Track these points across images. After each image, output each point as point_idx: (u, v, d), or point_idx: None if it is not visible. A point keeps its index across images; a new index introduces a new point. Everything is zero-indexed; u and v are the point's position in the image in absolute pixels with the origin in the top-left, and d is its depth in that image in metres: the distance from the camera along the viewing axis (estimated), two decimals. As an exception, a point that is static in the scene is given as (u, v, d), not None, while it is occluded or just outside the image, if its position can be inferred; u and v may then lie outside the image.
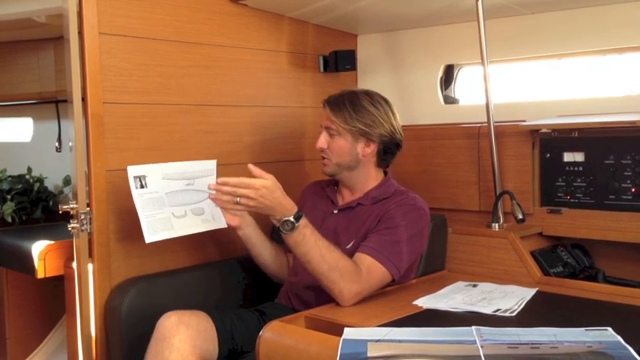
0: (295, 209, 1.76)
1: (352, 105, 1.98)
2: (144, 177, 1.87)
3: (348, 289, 1.72)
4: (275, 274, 2.16)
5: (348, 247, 1.94)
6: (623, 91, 2.29)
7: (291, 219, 1.74)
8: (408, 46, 2.73)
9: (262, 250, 2.10)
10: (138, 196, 1.84)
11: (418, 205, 1.96)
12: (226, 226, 1.99)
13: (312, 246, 1.74)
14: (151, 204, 1.86)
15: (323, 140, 2.01)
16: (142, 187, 1.85)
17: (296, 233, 1.74)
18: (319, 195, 2.15)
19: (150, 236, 1.83)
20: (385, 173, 2.10)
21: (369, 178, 2.04)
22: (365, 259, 1.79)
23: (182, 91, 2.16)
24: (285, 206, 1.75)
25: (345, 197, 2.08)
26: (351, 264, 1.76)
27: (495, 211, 2.22)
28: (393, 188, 2.04)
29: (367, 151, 2.00)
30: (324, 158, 2.03)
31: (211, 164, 2.00)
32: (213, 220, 1.97)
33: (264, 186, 1.73)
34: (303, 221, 1.76)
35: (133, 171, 1.85)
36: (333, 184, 2.15)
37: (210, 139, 2.24)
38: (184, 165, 1.96)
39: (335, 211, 2.06)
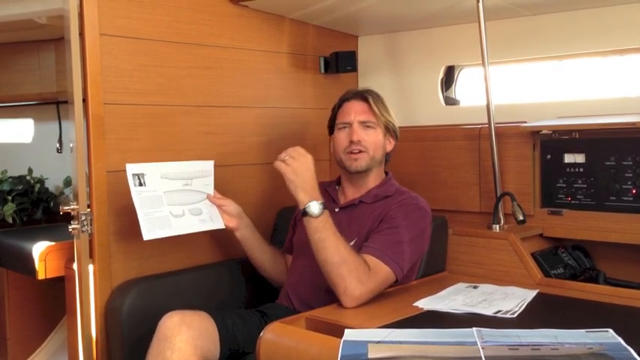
0: (322, 199, 1.81)
1: (381, 100, 2.05)
2: (142, 175, 1.88)
3: (352, 288, 1.71)
4: (273, 276, 2.16)
5: (349, 244, 1.94)
6: (623, 93, 2.28)
7: (320, 203, 1.78)
8: (408, 48, 2.73)
9: (260, 252, 2.10)
10: (136, 194, 1.85)
11: (420, 204, 1.96)
12: (224, 227, 2.00)
13: (331, 234, 1.76)
14: (149, 202, 1.86)
15: (361, 132, 1.99)
16: (140, 185, 1.87)
17: (321, 218, 1.77)
18: (321, 194, 2.15)
19: (147, 234, 1.83)
20: (386, 173, 2.11)
21: (375, 177, 2.05)
22: (369, 260, 1.79)
23: (183, 92, 2.16)
24: (316, 191, 1.81)
25: (348, 195, 2.08)
26: (362, 262, 1.75)
27: (496, 212, 2.22)
28: (394, 187, 2.04)
29: (389, 147, 2.06)
30: (358, 152, 1.99)
31: (209, 165, 2.01)
32: (210, 220, 1.98)
33: (310, 162, 1.82)
34: (327, 210, 1.80)
35: (131, 169, 1.86)
36: (335, 183, 2.15)
37: (211, 140, 2.24)
38: (182, 165, 1.97)
39: (336, 210, 2.06)
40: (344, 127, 2.03)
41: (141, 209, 1.84)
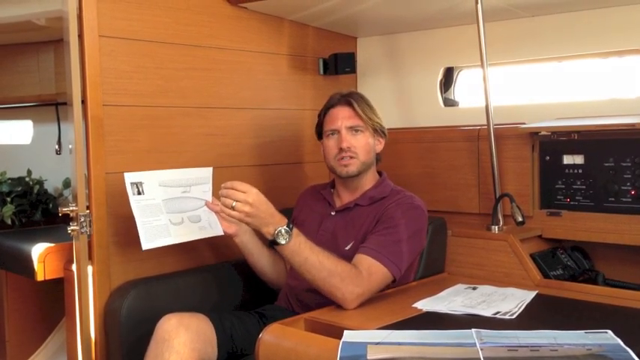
0: (286, 220, 1.74)
1: (366, 101, 2.03)
2: (141, 183, 1.87)
3: (350, 292, 1.71)
4: (273, 281, 2.15)
5: (346, 248, 1.94)
6: (622, 94, 2.29)
7: (285, 227, 1.72)
8: (407, 49, 2.74)
9: (260, 257, 2.09)
10: (135, 203, 1.84)
11: (415, 203, 1.96)
12: (223, 233, 1.99)
13: (310, 253, 1.73)
14: (148, 211, 1.86)
15: (350, 139, 1.98)
16: (139, 193, 1.86)
17: (292, 242, 1.72)
18: (316, 198, 2.15)
19: (147, 243, 1.83)
20: (380, 174, 2.10)
21: (369, 178, 2.05)
22: (365, 260, 1.79)
23: (182, 94, 2.16)
24: (276, 217, 1.73)
25: (344, 199, 2.08)
26: (350, 267, 1.75)
27: (495, 213, 2.22)
28: (389, 188, 2.04)
29: (379, 147, 2.04)
30: (350, 158, 1.99)
31: (207, 172, 2.00)
32: (210, 227, 1.98)
33: (258, 193, 1.73)
34: (296, 230, 1.75)
35: (130, 177, 1.85)
36: (330, 186, 2.15)
37: (210, 141, 2.24)
38: (180, 172, 1.96)
39: (332, 213, 2.06)
40: (332, 134, 2.02)
41: (140, 218, 1.83)
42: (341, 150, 1.98)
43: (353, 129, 2.00)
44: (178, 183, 1.94)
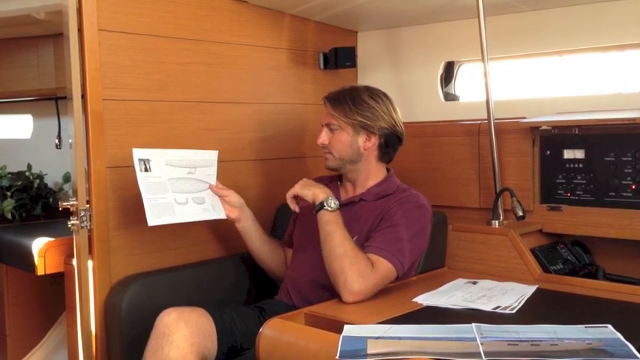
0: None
1: (352, 99, 2.00)
2: (148, 160, 1.89)
3: (352, 281, 1.71)
4: (272, 269, 2.17)
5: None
6: (623, 88, 2.28)
7: (336, 200, 1.85)
8: (408, 43, 2.73)
9: (261, 244, 2.11)
10: (142, 179, 1.85)
11: (420, 202, 1.97)
12: (225, 217, 2.01)
13: (340, 228, 1.80)
14: (155, 188, 1.87)
15: (324, 136, 2.02)
16: (146, 170, 1.87)
17: (335, 212, 1.83)
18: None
19: (153, 219, 1.84)
20: (387, 170, 2.10)
21: (370, 173, 2.05)
22: (371, 257, 1.79)
23: (182, 88, 2.16)
24: (330, 192, 1.89)
25: (348, 192, 2.09)
26: (365, 258, 1.76)
27: (495, 208, 2.22)
28: (395, 185, 2.04)
29: (368, 144, 2.01)
30: (326, 153, 2.04)
31: (213, 155, 2.03)
32: (213, 210, 1.99)
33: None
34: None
35: (138, 154, 1.87)
36: (337, 179, 2.15)
37: (211, 136, 2.24)
38: (187, 153, 1.99)
39: (338, 206, 2.07)
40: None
41: (146, 195, 1.84)
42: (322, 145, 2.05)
43: (329, 126, 2.02)
44: (184, 163, 1.96)
